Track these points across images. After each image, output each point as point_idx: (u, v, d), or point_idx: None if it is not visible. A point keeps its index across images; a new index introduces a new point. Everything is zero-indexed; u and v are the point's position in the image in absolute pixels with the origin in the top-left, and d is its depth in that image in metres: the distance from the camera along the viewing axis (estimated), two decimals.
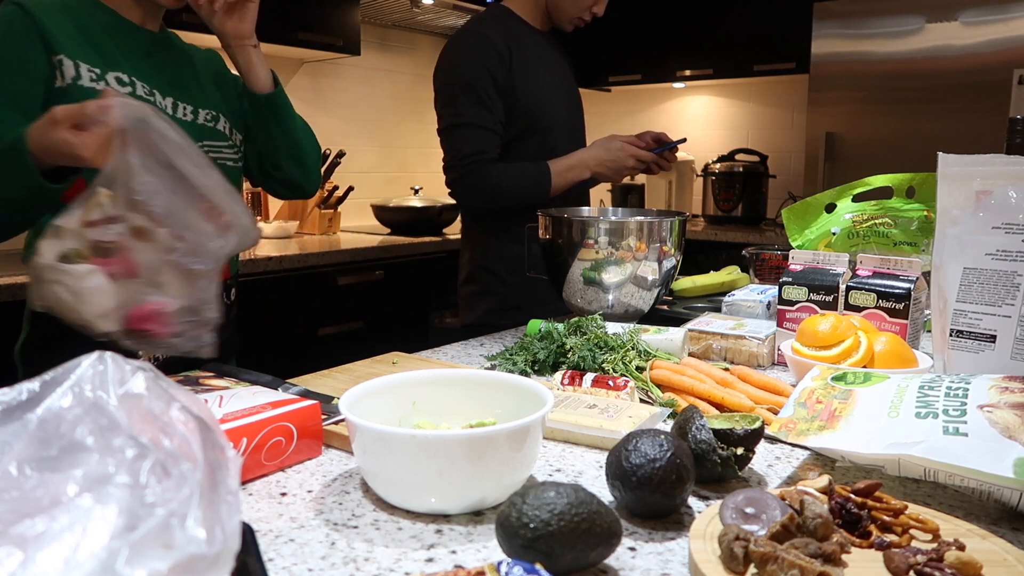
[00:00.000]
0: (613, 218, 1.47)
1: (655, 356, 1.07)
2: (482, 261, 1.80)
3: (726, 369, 1.02)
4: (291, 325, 2.58)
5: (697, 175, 4.03)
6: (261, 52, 1.27)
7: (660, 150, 1.73)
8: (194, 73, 1.28)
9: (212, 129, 1.26)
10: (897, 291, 1.10)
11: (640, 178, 3.89)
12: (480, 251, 1.81)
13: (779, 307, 1.19)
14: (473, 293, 1.83)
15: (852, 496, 0.62)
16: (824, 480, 0.65)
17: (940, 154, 0.94)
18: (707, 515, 0.62)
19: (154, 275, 0.82)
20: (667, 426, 0.91)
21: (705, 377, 0.98)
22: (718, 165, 3.78)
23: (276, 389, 0.87)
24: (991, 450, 0.65)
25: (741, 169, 3.72)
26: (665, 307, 1.54)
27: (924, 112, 2.96)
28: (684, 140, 1.78)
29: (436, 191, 3.96)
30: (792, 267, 1.23)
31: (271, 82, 1.29)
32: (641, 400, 0.99)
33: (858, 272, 1.16)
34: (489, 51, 1.71)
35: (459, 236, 3.17)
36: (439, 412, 0.80)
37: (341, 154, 3.20)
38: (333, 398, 0.91)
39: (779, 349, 1.13)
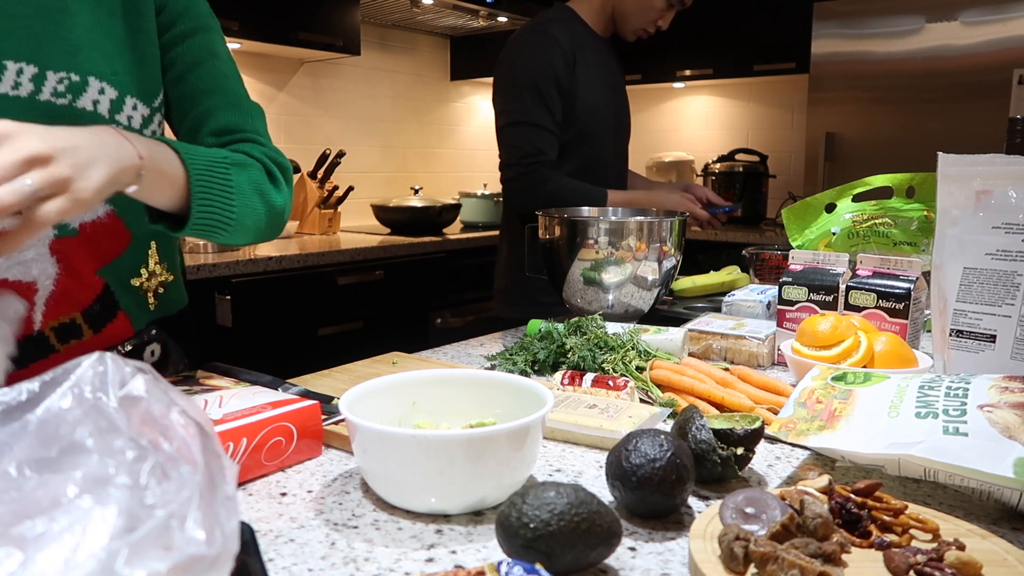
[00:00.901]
0: (613, 218, 1.47)
1: (655, 356, 1.07)
2: (520, 257, 1.84)
3: (726, 369, 1.02)
4: (291, 325, 2.58)
5: (697, 175, 4.02)
6: (153, 171, 0.75)
7: (715, 211, 1.81)
8: (61, 6, 0.81)
9: (70, 109, 0.81)
10: (897, 291, 1.10)
11: None
12: (519, 246, 1.85)
13: (779, 307, 1.19)
14: (510, 286, 1.86)
15: (852, 496, 0.62)
16: (824, 480, 0.65)
17: (940, 154, 0.94)
18: (707, 515, 0.61)
19: None
20: (667, 426, 0.91)
21: (705, 377, 0.98)
22: (718, 165, 3.78)
23: (276, 389, 0.87)
24: (991, 450, 0.65)
25: (741, 169, 3.72)
26: (665, 307, 1.54)
27: (924, 112, 2.96)
28: (738, 209, 1.84)
29: (436, 191, 3.96)
30: (792, 267, 1.23)
31: (179, 198, 0.81)
32: (641, 400, 0.99)
33: (858, 272, 1.16)
34: (556, 52, 1.71)
35: (459, 236, 3.18)
36: (439, 412, 0.80)
37: (341, 154, 3.20)
38: (333, 398, 0.91)
39: (779, 349, 1.13)
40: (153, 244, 0.98)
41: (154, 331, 1.00)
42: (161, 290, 1.00)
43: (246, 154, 0.94)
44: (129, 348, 0.96)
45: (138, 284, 0.96)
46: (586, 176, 1.82)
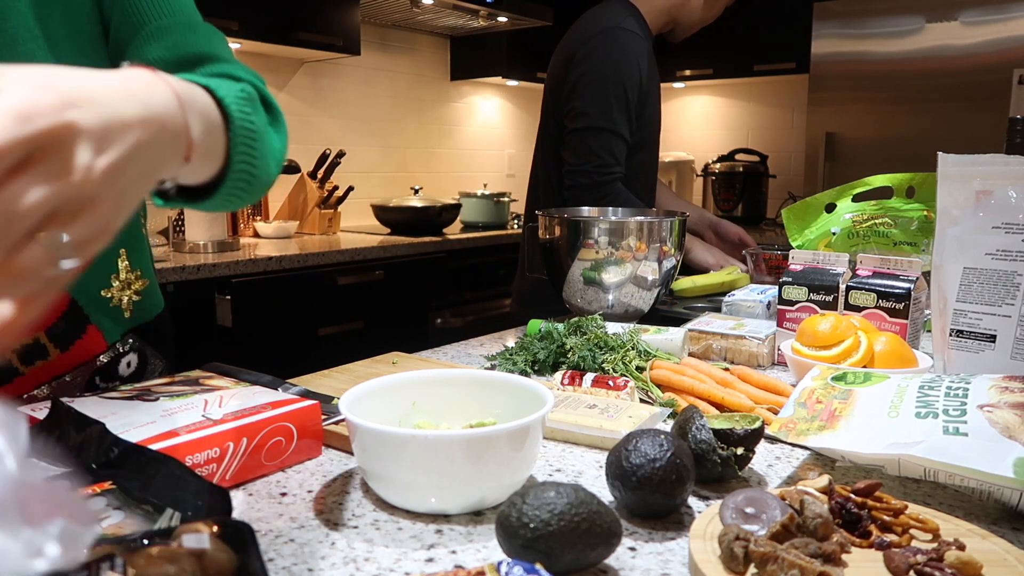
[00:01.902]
0: (613, 218, 1.47)
1: (655, 356, 1.07)
2: None
3: (726, 369, 1.02)
4: (291, 325, 2.58)
5: (697, 175, 4.03)
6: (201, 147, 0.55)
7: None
8: None
9: None
10: (897, 291, 1.10)
11: None
12: None
13: (779, 307, 1.19)
14: (531, 288, 1.84)
15: (852, 496, 0.62)
16: (824, 480, 0.65)
17: (940, 154, 0.94)
18: (707, 515, 0.61)
19: None
20: (667, 426, 0.91)
21: (705, 377, 0.98)
22: (718, 165, 3.79)
23: (276, 389, 0.87)
24: (991, 450, 0.65)
25: (741, 169, 3.73)
26: (665, 307, 1.54)
27: (924, 112, 2.96)
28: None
29: (436, 191, 3.96)
30: (792, 267, 1.23)
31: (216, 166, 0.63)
32: (641, 400, 0.99)
33: (858, 272, 1.16)
34: (642, 54, 1.63)
35: (459, 236, 3.18)
36: (439, 412, 0.80)
37: (341, 154, 3.20)
38: (333, 398, 0.91)
39: (779, 349, 1.13)
40: (123, 251, 0.89)
41: (130, 341, 0.92)
42: (137, 298, 0.93)
43: (232, 77, 0.72)
44: (103, 362, 0.89)
45: (109, 295, 0.88)
46: (631, 182, 1.76)
